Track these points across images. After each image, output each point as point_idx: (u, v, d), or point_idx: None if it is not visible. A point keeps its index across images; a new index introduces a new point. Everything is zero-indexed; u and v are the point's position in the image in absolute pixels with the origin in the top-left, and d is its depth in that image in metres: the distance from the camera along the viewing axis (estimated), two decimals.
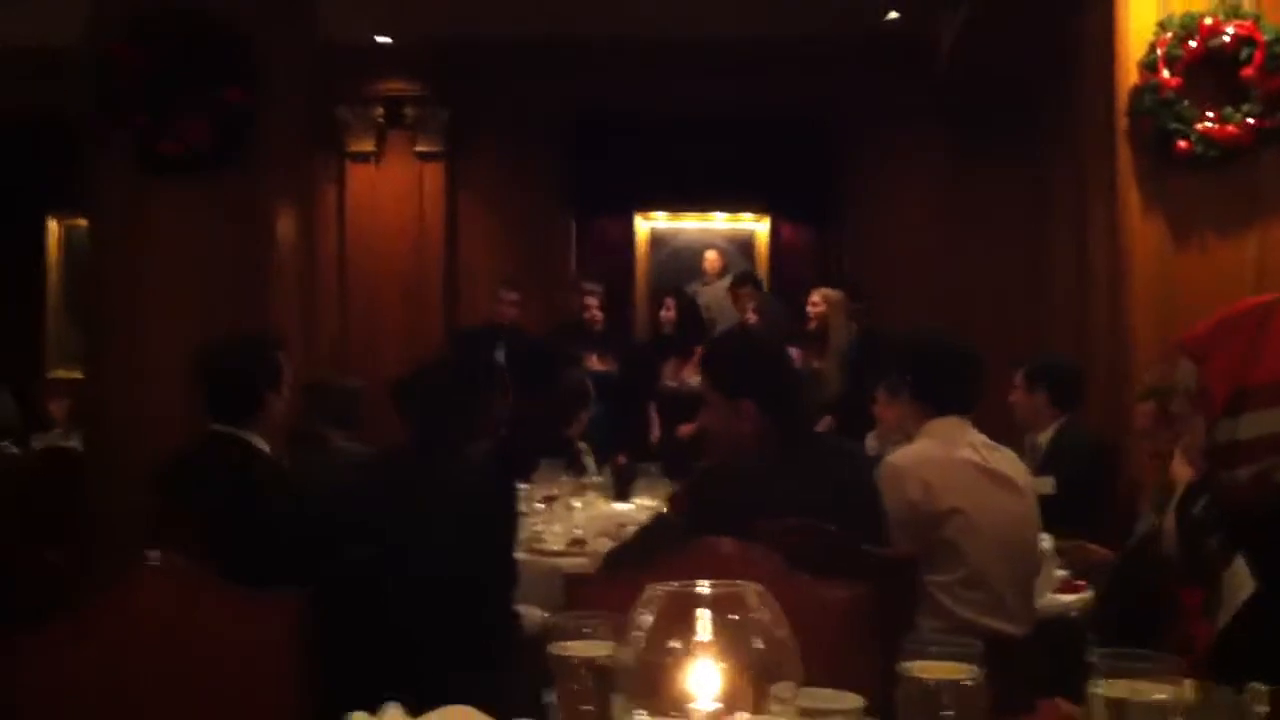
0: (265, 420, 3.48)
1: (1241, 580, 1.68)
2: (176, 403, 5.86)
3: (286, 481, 3.31)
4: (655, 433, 7.65)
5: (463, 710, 1.62)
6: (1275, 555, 1.66)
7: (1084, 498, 4.77)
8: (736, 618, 0.98)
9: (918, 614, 3.31)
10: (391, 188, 8.34)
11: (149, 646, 2.20)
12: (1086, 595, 3.82)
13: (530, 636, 3.34)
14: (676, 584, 0.98)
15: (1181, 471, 1.86)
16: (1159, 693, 1.31)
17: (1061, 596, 3.89)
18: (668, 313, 8.19)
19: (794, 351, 7.73)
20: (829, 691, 1.62)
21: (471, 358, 3.62)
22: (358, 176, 8.38)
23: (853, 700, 1.59)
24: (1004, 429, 4.84)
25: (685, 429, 7.24)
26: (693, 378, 7.96)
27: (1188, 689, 1.29)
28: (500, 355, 7.45)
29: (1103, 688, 1.36)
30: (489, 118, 8.61)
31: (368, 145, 8.35)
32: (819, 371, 7.39)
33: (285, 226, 8.09)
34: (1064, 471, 4.88)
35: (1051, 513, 3.95)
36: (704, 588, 0.96)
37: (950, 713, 1.39)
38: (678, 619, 0.99)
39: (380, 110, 8.31)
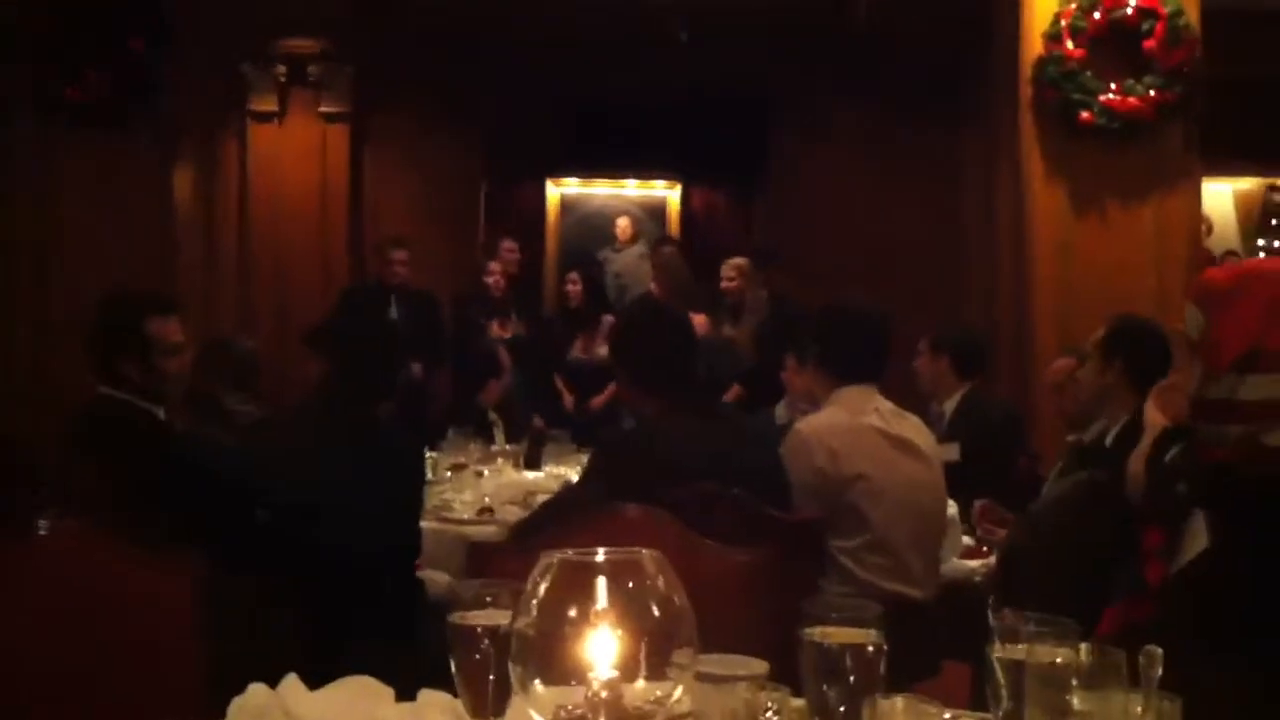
0: (130, 384, 3.39)
1: (1195, 533, 1.70)
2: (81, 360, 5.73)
3: (169, 444, 3.23)
4: (568, 401, 7.61)
5: (361, 681, 1.59)
6: (1236, 518, 1.67)
7: (988, 465, 4.85)
8: (633, 585, 0.96)
9: (823, 579, 3.35)
10: (295, 148, 8.15)
11: (45, 609, 2.14)
12: (991, 560, 3.89)
13: (435, 604, 3.31)
14: (572, 552, 0.95)
15: (1155, 417, 1.86)
16: (1055, 655, 1.32)
17: (966, 562, 3.96)
18: (574, 287, 8.15)
19: (699, 319, 7.77)
20: (733, 658, 1.61)
21: (366, 317, 3.55)
22: (260, 136, 8.17)
23: (757, 666, 1.59)
24: (916, 396, 4.91)
25: (597, 400, 7.23)
26: (601, 349, 7.95)
27: (1083, 652, 1.30)
28: (391, 315, 7.36)
29: (1000, 650, 1.37)
30: (397, 78, 8.46)
31: (270, 104, 8.15)
32: (732, 340, 7.40)
33: (187, 183, 7.91)
34: (969, 439, 4.96)
35: (956, 480, 4.00)
36: (600, 555, 0.94)
37: (851, 677, 1.38)
38: (574, 587, 0.97)
39: (283, 68, 8.12)
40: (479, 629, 1.54)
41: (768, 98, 8.82)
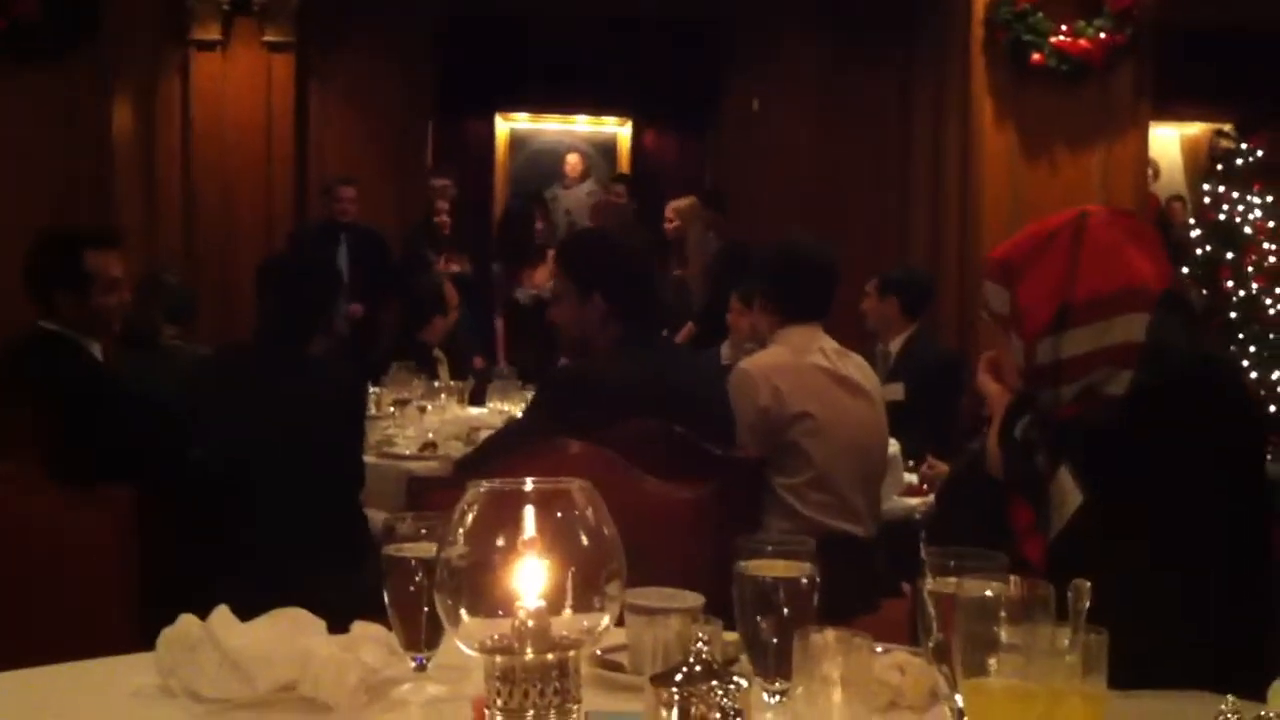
0: (96, 323, 3.34)
1: (1066, 493, 1.70)
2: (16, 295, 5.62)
3: (103, 380, 3.18)
4: (502, 347, 7.60)
5: (293, 613, 1.57)
6: (1100, 468, 1.68)
7: (931, 407, 4.89)
8: (561, 515, 0.95)
9: (766, 515, 3.37)
10: (238, 79, 7.99)
11: None
12: (930, 498, 3.93)
13: (375, 540, 3.30)
14: (500, 481, 0.94)
15: (993, 391, 1.84)
16: (984, 589, 1.33)
17: (906, 500, 4.00)
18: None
19: None
20: (668, 591, 1.62)
21: (311, 254, 3.52)
22: (203, 66, 7.99)
23: (691, 599, 1.59)
24: (860, 336, 4.92)
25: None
26: (546, 284, 7.91)
27: (1013, 585, 1.31)
28: (342, 253, 7.29)
29: (931, 584, 1.38)
30: (343, 8, 8.30)
31: (213, 33, 7.97)
32: (682, 279, 7.40)
33: (126, 115, 7.74)
34: (912, 380, 5.00)
35: (899, 420, 4.03)
36: (528, 485, 0.93)
37: (785, 610, 1.39)
38: (502, 517, 0.96)
39: None
40: (413, 561, 1.54)
41: (719, 35, 8.74)
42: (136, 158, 7.82)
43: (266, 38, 8.01)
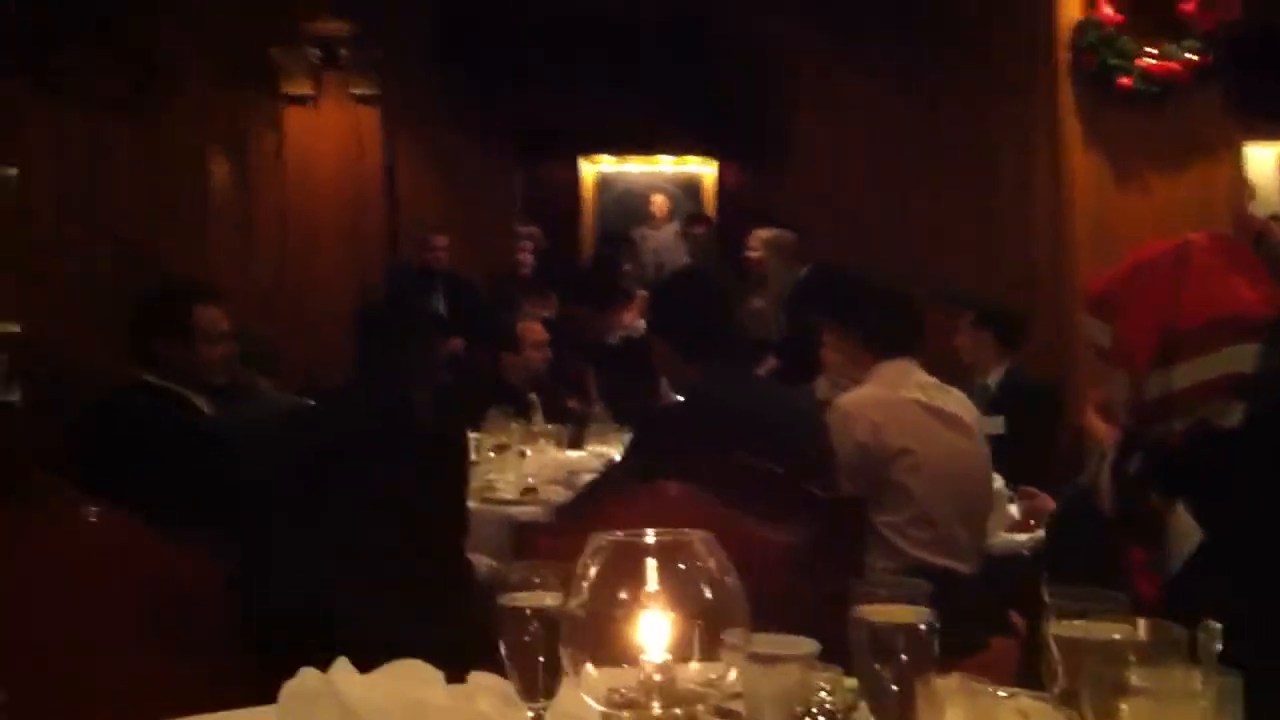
0: (198, 374, 3.41)
1: (1185, 530, 1.66)
2: (117, 355, 5.78)
3: (211, 432, 3.24)
4: (594, 383, 7.62)
5: (410, 664, 1.59)
6: (1218, 503, 1.64)
7: (1031, 438, 4.81)
8: (684, 566, 0.95)
9: (868, 555, 3.33)
10: (329, 132, 8.18)
11: (90, 595, 2.16)
12: (1038, 534, 3.84)
13: (482, 585, 3.32)
14: (622, 533, 0.94)
15: (1101, 429, 1.82)
16: (1113, 632, 1.30)
17: (1014, 535, 3.91)
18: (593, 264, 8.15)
19: None
20: (782, 637, 1.60)
21: (411, 302, 3.55)
22: (295, 120, 8.20)
23: (807, 645, 1.57)
24: (947, 371, 4.86)
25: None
26: (636, 322, 7.94)
27: (1141, 628, 1.28)
28: (439, 302, 7.40)
29: (1057, 627, 1.36)
30: (426, 59, 8.46)
31: (304, 88, 8.16)
32: (759, 311, 7.37)
33: (220, 172, 7.95)
34: (1013, 413, 4.92)
35: (1001, 453, 3.97)
36: (650, 537, 0.93)
37: (904, 656, 1.37)
38: (625, 569, 0.96)
39: (315, 51, 8.13)
40: (527, 610, 1.54)
41: (787, 71, 8.72)
42: (231, 210, 8.03)
43: (354, 90, 8.19)
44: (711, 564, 0.96)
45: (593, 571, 0.95)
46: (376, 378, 3.28)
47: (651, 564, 0.95)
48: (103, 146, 7.10)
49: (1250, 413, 1.67)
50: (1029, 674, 1.63)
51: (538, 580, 1.56)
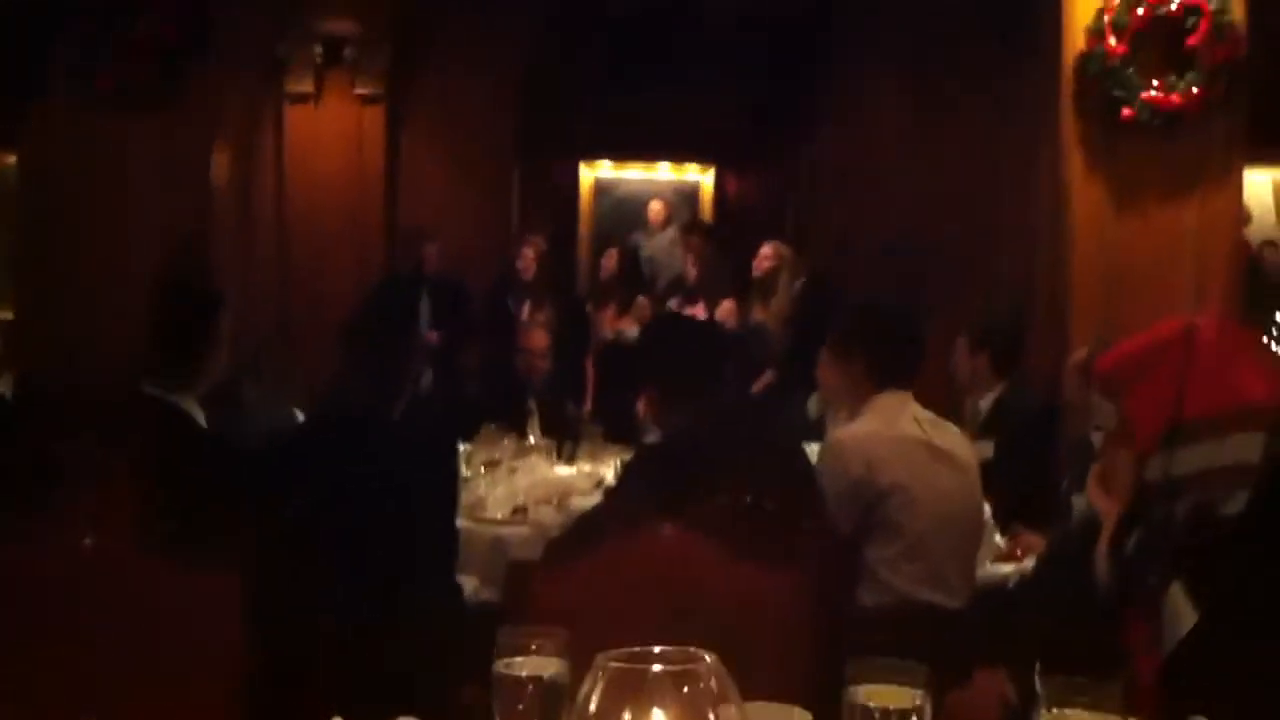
0: (199, 384, 3.36)
1: (1179, 611, 1.68)
2: (111, 353, 5.76)
3: (212, 456, 3.22)
4: (591, 391, 7.63)
5: None
6: (1216, 587, 1.66)
7: (1023, 464, 4.83)
8: (688, 690, 0.95)
9: (859, 589, 3.35)
10: (331, 130, 8.16)
11: (93, 619, 2.16)
12: (1025, 565, 3.86)
13: (469, 610, 3.33)
14: (625, 658, 0.95)
15: (1103, 503, 1.83)
16: None
17: (1000, 567, 3.93)
18: (610, 261, 8.15)
19: (728, 304, 7.75)
20: (775, 707, 1.61)
21: (389, 317, 3.51)
22: (296, 118, 8.18)
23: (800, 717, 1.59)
24: (938, 390, 4.88)
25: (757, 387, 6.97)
26: (630, 328, 7.94)
27: None
28: (424, 308, 7.39)
29: (1047, 717, 1.37)
30: (431, 59, 8.44)
31: (307, 86, 8.14)
32: (761, 324, 7.38)
33: (224, 166, 7.92)
34: (1004, 437, 4.93)
35: (989, 479, 3.98)
36: (656, 664, 0.93)
37: None
38: (627, 694, 0.95)
39: (319, 49, 8.10)
40: (525, 679, 1.55)
41: (798, 81, 8.73)
42: (233, 209, 8.00)
43: (358, 90, 8.17)
44: (713, 684, 0.96)
45: (594, 701, 0.95)
46: (358, 395, 3.25)
47: (657, 685, 0.94)
48: (104, 140, 7.07)
49: (1252, 500, 1.68)
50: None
51: (534, 647, 1.57)
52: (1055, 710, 1.37)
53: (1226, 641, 1.63)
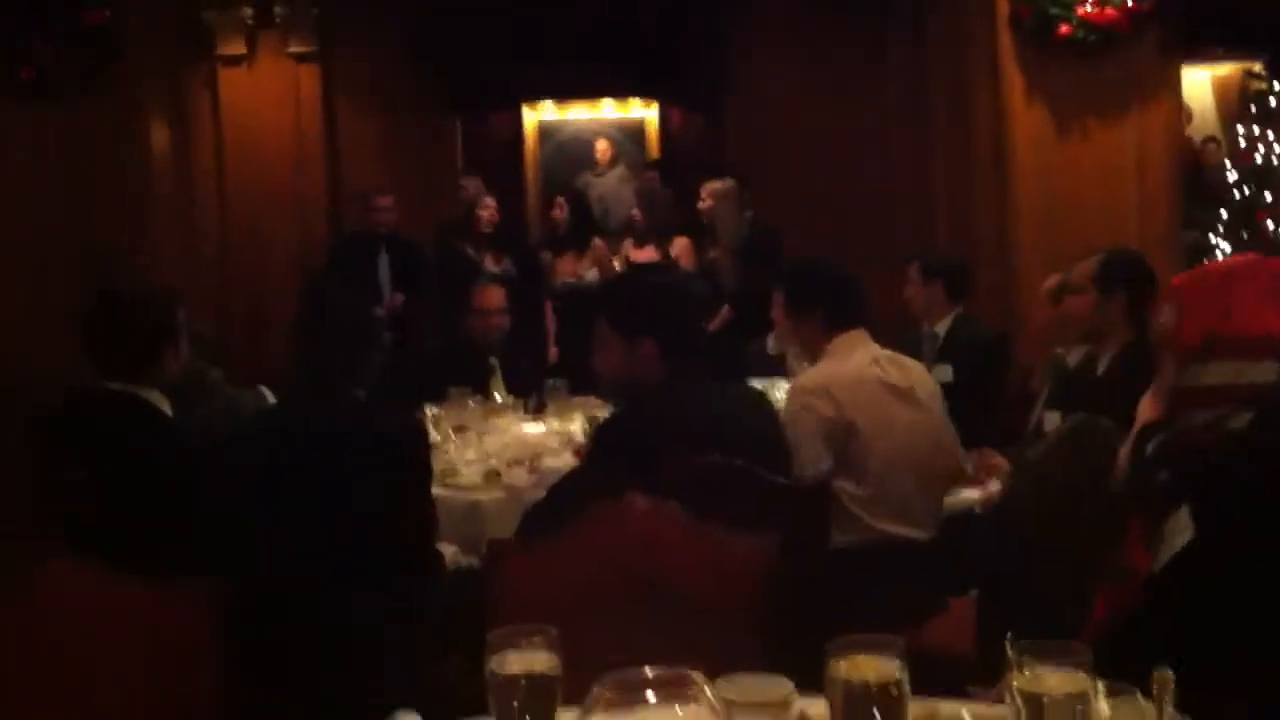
0: (160, 376, 3.35)
1: (1179, 526, 1.79)
2: (54, 341, 5.71)
3: (186, 449, 3.21)
4: (553, 334, 7.63)
5: None
6: (1215, 504, 1.77)
7: (981, 386, 4.93)
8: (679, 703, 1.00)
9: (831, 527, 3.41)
10: (265, 91, 8.04)
11: (57, 647, 2.17)
12: (992, 490, 3.92)
13: (450, 576, 3.35)
14: (617, 689, 0.99)
15: (1146, 409, 2.05)
16: (1072, 684, 1.39)
17: (967, 493, 3.98)
18: (559, 212, 8.13)
19: (683, 243, 7.76)
20: (758, 678, 1.64)
21: (346, 303, 3.44)
22: (230, 81, 8.05)
23: (781, 687, 1.61)
24: (893, 320, 4.95)
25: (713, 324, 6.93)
26: (589, 271, 7.95)
27: (1099, 685, 1.37)
28: (384, 266, 7.34)
29: (1019, 679, 1.44)
30: (362, 13, 8.31)
31: (238, 48, 8.02)
32: (714, 261, 7.40)
33: (159, 142, 7.81)
34: (961, 361, 5.03)
35: (950, 400, 4.05)
36: (650, 697, 0.98)
37: (879, 714, 1.44)
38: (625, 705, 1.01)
39: (249, 11, 7.97)
40: (516, 676, 1.60)
41: (720, 14, 8.63)
42: (172, 178, 7.91)
43: (291, 49, 8.05)
44: (707, 691, 1.01)
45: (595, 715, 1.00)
46: (322, 384, 3.17)
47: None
48: (38, 126, 6.96)
49: (1254, 423, 1.81)
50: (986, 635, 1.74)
51: (525, 643, 1.62)
52: (1026, 672, 1.44)
53: (1213, 565, 1.72)
